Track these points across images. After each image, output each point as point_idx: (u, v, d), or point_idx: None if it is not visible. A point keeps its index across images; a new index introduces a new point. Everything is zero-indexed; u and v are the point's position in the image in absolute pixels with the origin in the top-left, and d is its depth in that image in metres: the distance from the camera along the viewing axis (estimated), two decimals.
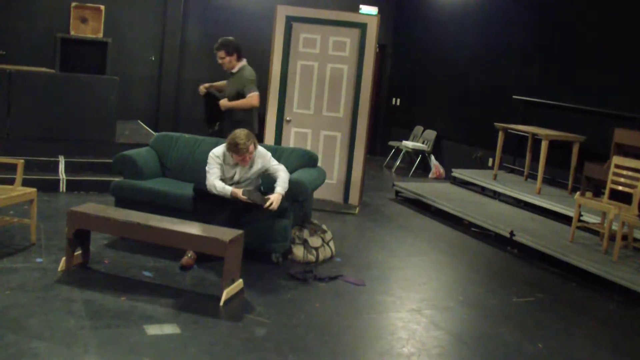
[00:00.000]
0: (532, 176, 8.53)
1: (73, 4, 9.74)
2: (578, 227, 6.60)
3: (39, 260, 4.98)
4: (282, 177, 5.35)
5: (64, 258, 4.80)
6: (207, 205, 5.36)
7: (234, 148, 5.19)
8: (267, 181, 5.57)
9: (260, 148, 5.49)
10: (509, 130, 8.59)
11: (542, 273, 6.12)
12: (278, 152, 6.13)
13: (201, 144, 6.28)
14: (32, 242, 5.33)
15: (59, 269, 4.77)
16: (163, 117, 11.02)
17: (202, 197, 5.41)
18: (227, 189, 5.22)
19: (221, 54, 6.42)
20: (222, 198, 5.26)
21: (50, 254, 5.14)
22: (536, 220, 7.41)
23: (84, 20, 9.72)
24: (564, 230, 6.96)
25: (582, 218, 6.77)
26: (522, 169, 8.94)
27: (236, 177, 5.42)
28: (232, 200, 5.23)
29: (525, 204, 8.00)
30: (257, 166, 5.44)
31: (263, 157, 5.46)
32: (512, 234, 6.77)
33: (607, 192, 6.41)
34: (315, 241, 5.71)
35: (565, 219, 7.20)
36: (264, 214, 5.27)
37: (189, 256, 5.14)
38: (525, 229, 6.88)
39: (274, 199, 5.20)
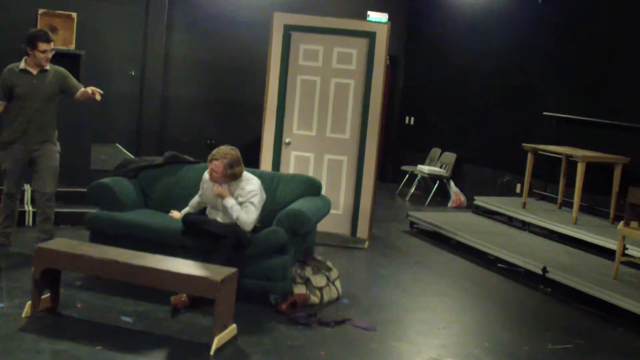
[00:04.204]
0: (567, 204, 8.50)
1: (40, 10, 9.80)
2: (622, 262, 6.55)
3: None
4: (244, 211, 5.45)
5: (29, 302, 4.77)
6: (197, 240, 5.38)
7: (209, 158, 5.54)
8: (267, 220, 5.61)
9: (249, 180, 5.57)
10: (540, 152, 8.59)
11: (581, 315, 6.07)
12: (276, 179, 6.13)
13: (188, 171, 6.28)
14: None
15: (23, 315, 4.73)
16: (145, 139, 11.06)
17: (192, 230, 5.43)
18: (183, 212, 5.81)
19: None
20: (214, 232, 5.34)
21: (12, 297, 5.10)
22: (573, 255, 7.38)
23: (53, 30, 9.79)
24: (605, 265, 6.92)
25: (626, 251, 6.73)
26: (555, 196, 8.92)
27: (219, 202, 5.55)
28: (224, 234, 5.29)
29: (559, 236, 7.97)
30: (233, 196, 5.52)
31: (242, 190, 5.52)
32: (544, 270, 6.73)
33: None
34: (319, 280, 5.68)
35: (607, 253, 7.17)
36: (260, 250, 5.29)
37: (181, 297, 5.13)
38: (560, 265, 6.85)
39: (220, 190, 5.49)
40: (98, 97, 5.98)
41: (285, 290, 5.45)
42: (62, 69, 6.27)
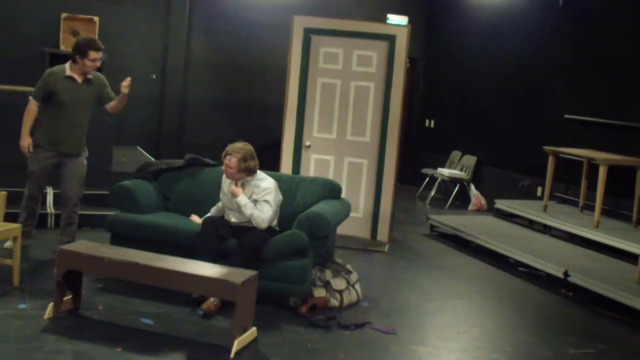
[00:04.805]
0: (589, 207, 8.43)
1: (63, 15, 9.89)
2: None
3: (22, 306, 4.98)
4: (258, 208, 5.45)
5: (51, 304, 4.80)
6: (216, 242, 5.41)
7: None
8: (286, 223, 5.61)
9: (264, 179, 5.59)
10: (561, 155, 8.53)
11: (603, 320, 6.02)
12: (296, 182, 6.13)
13: (208, 174, 6.30)
14: (15, 285, 5.33)
15: (46, 316, 4.76)
16: (165, 142, 11.11)
17: (211, 231, 5.46)
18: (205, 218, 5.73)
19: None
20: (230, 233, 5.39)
21: (35, 299, 5.13)
22: (594, 258, 7.32)
23: (75, 34, 9.83)
24: (627, 269, 6.85)
25: None
26: (576, 199, 8.85)
27: (234, 202, 5.56)
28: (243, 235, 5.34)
29: (581, 240, 7.90)
30: (248, 195, 5.53)
31: (256, 188, 5.53)
32: (566, 274, 6.68)
33: None
34: (338, 283, 5.67)
35: (629, 257, 7.09)
36: (280, 252, 5.31)
37: (212, 301, 5.14)
38: (582, 269, 6.79)
39: (236, 189, 5.48)
40: (125, 88, 6.08)
41: (305, 293, 5.44)
42: (102, 76, 6.31)
